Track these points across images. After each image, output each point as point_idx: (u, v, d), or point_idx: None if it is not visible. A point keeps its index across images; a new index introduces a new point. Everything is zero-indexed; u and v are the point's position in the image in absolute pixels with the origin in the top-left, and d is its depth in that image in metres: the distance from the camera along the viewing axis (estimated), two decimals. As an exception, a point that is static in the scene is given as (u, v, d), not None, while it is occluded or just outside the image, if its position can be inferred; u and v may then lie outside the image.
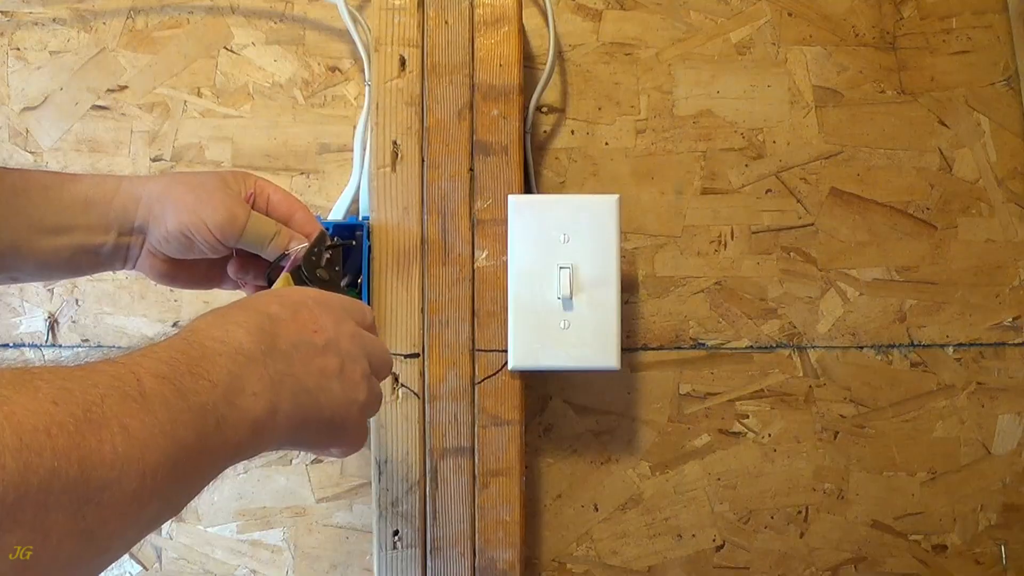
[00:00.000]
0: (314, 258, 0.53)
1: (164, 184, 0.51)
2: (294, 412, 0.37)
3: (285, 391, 0.37)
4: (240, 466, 0.67)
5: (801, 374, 0.68)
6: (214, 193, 0.51)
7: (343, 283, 0.59)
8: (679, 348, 0.68)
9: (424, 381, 0.59)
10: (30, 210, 0.48)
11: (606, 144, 0.69)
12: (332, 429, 0.40)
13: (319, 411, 0.39)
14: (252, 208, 0.52)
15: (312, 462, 0.67)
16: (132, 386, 0.29)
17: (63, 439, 0.25)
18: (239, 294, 0.56)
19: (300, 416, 0.38)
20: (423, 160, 0.60)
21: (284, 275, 0.52)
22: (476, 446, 0.59)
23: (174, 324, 0.67)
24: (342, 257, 0.57)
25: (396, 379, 0.59)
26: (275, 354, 0.37)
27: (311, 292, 0.43)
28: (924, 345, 0.68)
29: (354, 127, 0.67)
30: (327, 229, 0.57)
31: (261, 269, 0.54)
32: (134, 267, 0.53)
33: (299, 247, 0.53)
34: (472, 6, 0.61)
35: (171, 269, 0.53)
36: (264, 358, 0.36)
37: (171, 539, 0.67)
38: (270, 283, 0.53)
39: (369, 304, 0.59)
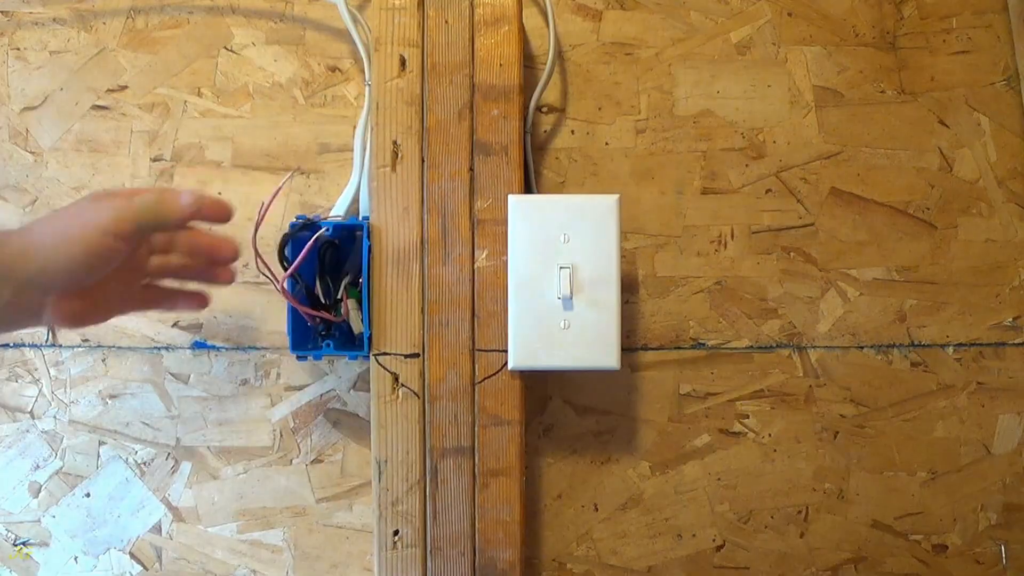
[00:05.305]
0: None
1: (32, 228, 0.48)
2: None
3: None
4: (240, 466, 0.67)
5: (801, 374, 0.68)
6: (82, 208, 0.48)
7: (346, 281, 0.59)
8: (679, 348, 0.68)
9: (424, 381, 0.59)
10: None
11: (606, 144, 0.69)
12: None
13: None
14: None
15: (312, 462, 0.67)
16: None
17: None
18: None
19: None
20: (423, 160, 0.60)
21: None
22: (476, 446, 0.59)
23: (174, 325, 0.67)
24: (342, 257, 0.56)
25: (396, 379, 0.59)
26: None
27: None
28: (924, 345, 0.68)
29: (354, 127, 0.67)
30: (327, 229, 0.57)
31: (184, 247, 0.54)
32: (46, 323, 0.50)
33: (268, 200, 0.52)
34: (472, 6, 0.61)
35: (84, 306, 0.50)
36: None
37: (171, 539, 0.67)
38: (281, 256, 0.55)
39: (369, 305, 0.59)
